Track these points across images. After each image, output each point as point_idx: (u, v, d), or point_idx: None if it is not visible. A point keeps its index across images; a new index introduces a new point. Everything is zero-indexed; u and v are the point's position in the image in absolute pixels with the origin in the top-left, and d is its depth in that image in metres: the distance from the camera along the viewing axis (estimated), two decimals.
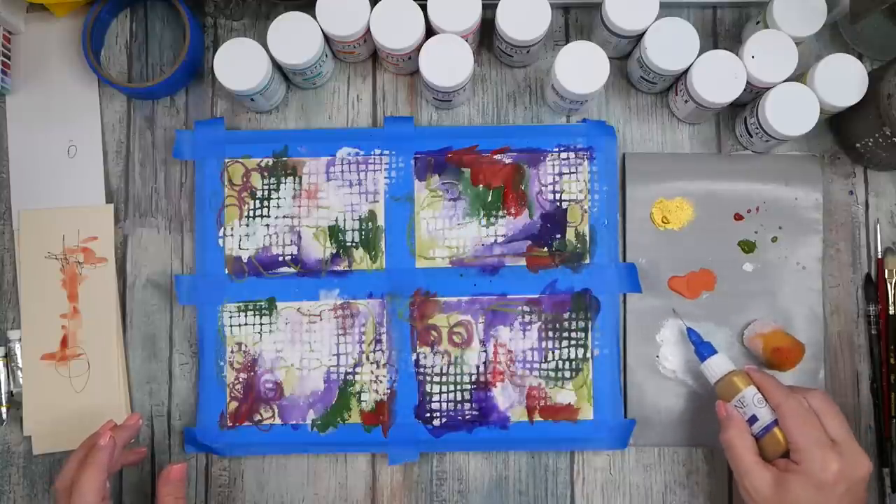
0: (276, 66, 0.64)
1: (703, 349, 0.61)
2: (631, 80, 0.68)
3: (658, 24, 0.61)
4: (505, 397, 0.65)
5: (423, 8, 0.61)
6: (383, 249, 0.66)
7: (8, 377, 0.66)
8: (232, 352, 0.65)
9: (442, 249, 0.66)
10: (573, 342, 0.65)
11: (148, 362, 0.66)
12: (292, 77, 0.66)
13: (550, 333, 0.65)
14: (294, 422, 0.65)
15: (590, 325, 0.65)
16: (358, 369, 0.65)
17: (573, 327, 0.65)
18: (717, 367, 0.59)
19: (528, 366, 0.65)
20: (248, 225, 0.66)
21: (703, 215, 0.66)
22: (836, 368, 0.66)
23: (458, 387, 0.65)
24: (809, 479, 0.54)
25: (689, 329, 0.62)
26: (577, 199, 0.66)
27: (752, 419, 0.57)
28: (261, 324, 0.66)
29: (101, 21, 0.67)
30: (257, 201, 0.66)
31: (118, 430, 0.60)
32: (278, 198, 0.66)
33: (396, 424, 0.65)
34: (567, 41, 0.66)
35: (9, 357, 0.66)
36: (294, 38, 0.62)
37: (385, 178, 0.67)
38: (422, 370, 0.65)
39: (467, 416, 0.65)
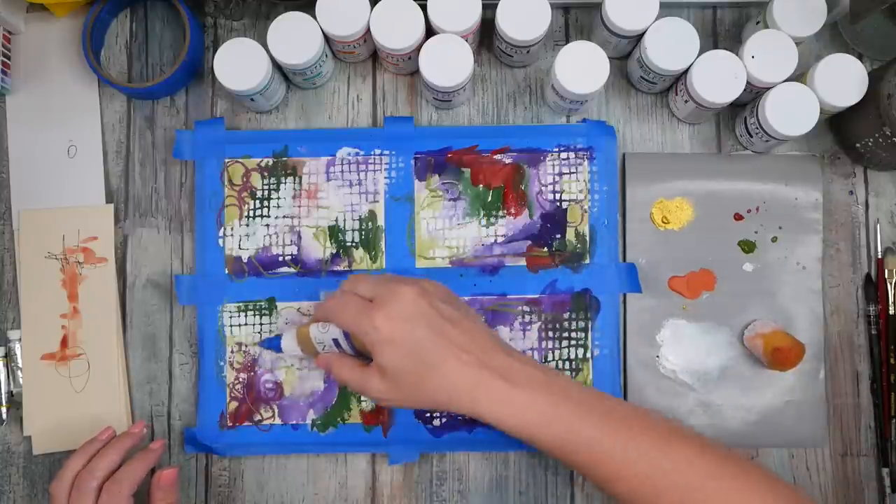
0: (276, 66, 0.64)
1: (272, 343, 0.63)
2: (631, 80, 0.68)
3: (658, 24, 0.61)
4: None
5: (423, 8, 0.61)
6: (383, 249, 0.66)
7: (8, 377, 0.66)
8: (232, 352, 0.65)
9: (442, 249, 0.66)
10: (573, 342, 0.65)
11: (148, 362, 0.66)
12: (292, 77, 0.66)
13: (550, 333, 0.65)
14: (294, 422, 0.65)
15: (590, 325, 0.65)
16: None
17: (573, 327, 0.65)
18: (287, 342, 0.61)
19: None
20: (248, 225, 0.66)
21: (703, 215, 0.66)
22: (836, 368, 0.66)
23: None
24: (378, 345, 0.53)
25: (262, 342, 0.64)
26: (577, 199, 0.66)
27: (336, 343, 0.58)
28: (261, 324, 0.66)
29: (101, 21, 0.67)
30: (257, 201, 0.66)
31: (122, 437, 0.60)
32: (278, 198, 0.66)
33: (396, 424, 0.65)
34: (567, 41, 0.66)
35: (9, 357, 0.66)
36: (294, 38, 0.62)
37: (385, 178, 0.67)
38: None
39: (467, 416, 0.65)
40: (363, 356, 0.58)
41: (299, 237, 0.66)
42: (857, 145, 0.65)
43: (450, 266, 0.66)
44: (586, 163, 0.66)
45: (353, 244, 0.66)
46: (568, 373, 0.65)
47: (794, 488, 0.53)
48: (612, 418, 0.53)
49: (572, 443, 0.52)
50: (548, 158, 0.67)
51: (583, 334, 0.65)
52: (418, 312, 0.54)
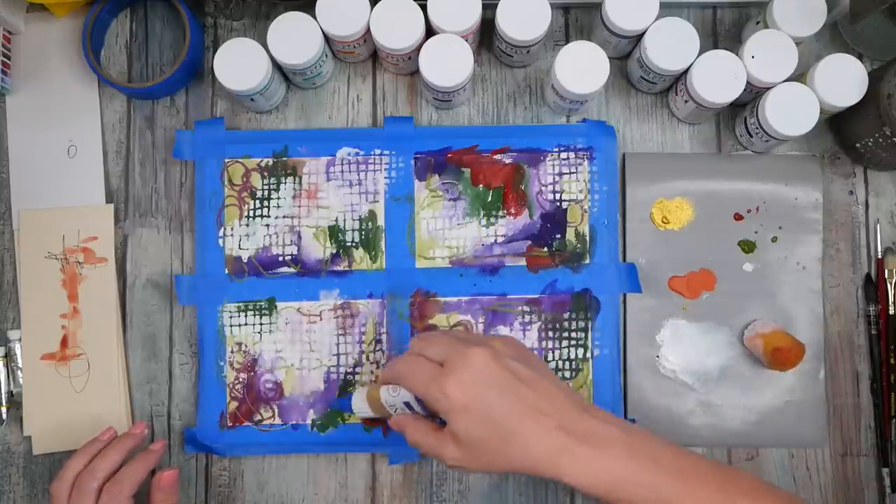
0: (276, 66, 0.64)
1: (341, 403, 0.63)
2: (631, 80, 0.68)
3: (658, 24, 0.61)
4: None
5: (423, 8, 0.61)
6: (383, 249, 0.66)
7: (8, 377, 0.66)
8: (232, 352, 0.65)
9: (442, 249, 0.66)
10: (573, 342, 0.65)
11: (148, 362, 0.66)
12: (292, 77, 0.66)
13: (550, 333, 0.65)
14: (294, 422, 0.65)
15: (590, 325, 0.65)
16: (358, 369, 0.65)
17: (573, 327, 0.65)
18: (358, 404, 0.60)
19: None
20: (248, 225, 0.66)
21: (703, 215, 0.66)
22: (836, 368, 0.66)
23: None
24: (451, 413, 0.51)
25: (337, 400, 0.64)
26: (577, 199, 0.66)
27: (408, 405, 0.56)
28: (261, 324, 0.66)
29: (101, 21, 0.67)
30: (257, 201, 0.66)
31: (123, 438, 0.60)
32: (278, 198, 0.66)
33: None
34: (567, 41, 0.66)
35: (9, 357, 0.66)
36: (294, 38, 0.62)
37: (385, 178, 0.67)
38: None
39: None
40: (438, 416, 0.56)
41: (299, 237, 0.66)
42: (857, 145, 0.65)
43: (450, 266, 0.66)
44: (586, 163, 0.66)
45: (353, 244, 0.66)
46: (568, 373, 0.65)
47: None
48: (698, 481, 0.51)
49: (652, 501, 0.50)
50: (548, 158, 0.67)
51: (583, 334, 0.65)
52: (491, 377, 0.51)
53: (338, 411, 0.65)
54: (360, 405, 0.59)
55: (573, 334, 0.65)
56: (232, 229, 0.66)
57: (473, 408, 0.51)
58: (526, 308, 0.66)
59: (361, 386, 0.63)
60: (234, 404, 0.65)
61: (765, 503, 0.51)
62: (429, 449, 0.54)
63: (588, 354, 0.65)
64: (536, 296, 0.66)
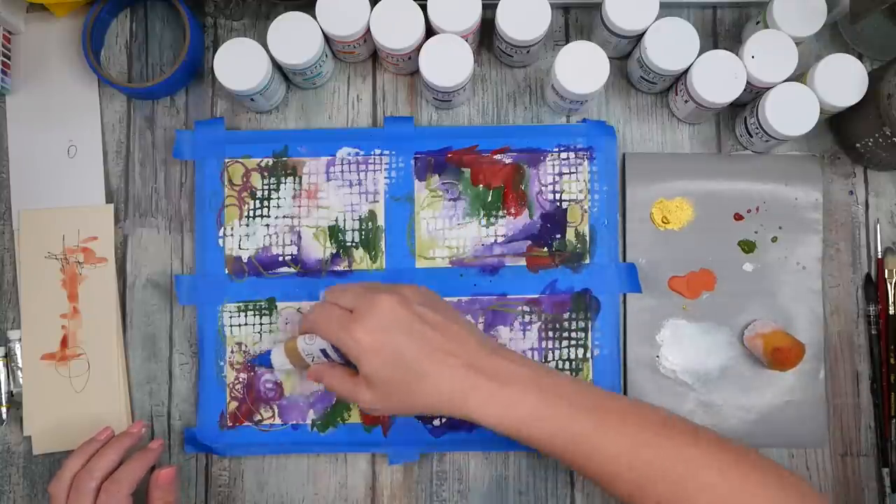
0: (276, 66, 0.64)
1: (262, 360, 0.63)
2: (631, 80, 0.68)
3: (658, 24, 0.61)
4: None
5: (423, 8, 0.61)
6: (383, 249, 0.66)
7: (8, 377, 0.66)
8: (232, 352, 0.65)
9: (442, 249, 0.66)
10: (573, 342, 0.65)
11: (148, 362, 0.66)
12: (292, 77, 0.66)
13: (550, 333, 0.65)
14: (294, 422, 0.65)
15: (590, 325, 0.65)
16: None
17: (573, 327, 0.65)
18: (277, 357, 0.61)
19: None
20: (248, 225, 0.66)
21: (703, 215, 0.66)
22: (836, 368, 0.66)
23: None
24: (362, 357, 0.53)
25: (253, 360, 0.64)
26: (577, 199, 0.66)
27: (324, 352, 0.58)
28: (261, 324, 0.66)
29: (101, 21, 0.67)
30: (257, 201, 0.66)
31: (121, 437, 0.60)
32: (278, 198, 0.66)
33: (396, 424, 0.65)
34: (567, 41, 0.66)
35: (9, 357, 0.66)
36: (294, 38, 0.62)
37: (385, 178, 0.67)
38: None
39: None
40: (353, 363, 0.58)
41: (299, 237, 0.66)
42: (857, 145, 0.65)
43: (450, 266, 0.66)
44: (586, 163, 0.66)
45: (353, 244, 0.66)
46: (568, 373, 0.65)
47: (792, 474, 0.52)
48: (603, 411, 0.53)
49: (563, 438, 0.52)
50: (548, 158, 0.67)
51: (583, 334, 0.65)
52: (398, 321, 0.53)
53: (338, 411, 0.65)
54: (280, 359, 0.61)
55: (573, 334, 0.65)
56: (232, 229, 0.66)
57: (382, 350, 0.53)
58: (526, 308, 0.66)
59: (278, 342, 0.63)
60: (234, 404, 0.65)
61: (671, 434, 0.52)
62: (345, 394, 0.56)
63: (588, 354, 0.65)
64: (536, 296, 0.66)
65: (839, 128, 0.67)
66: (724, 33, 0.69)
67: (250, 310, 0.66)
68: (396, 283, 0.65)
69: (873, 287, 0.66)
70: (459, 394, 0.53)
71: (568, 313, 0.66)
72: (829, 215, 0.67)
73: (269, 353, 0.62)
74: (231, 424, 0.65)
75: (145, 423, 0.64)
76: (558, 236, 0.66)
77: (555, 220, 0.66)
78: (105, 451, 0.58)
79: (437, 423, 0.65)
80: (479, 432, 0.65)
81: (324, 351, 0.58)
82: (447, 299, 0.65)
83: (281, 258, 0.66)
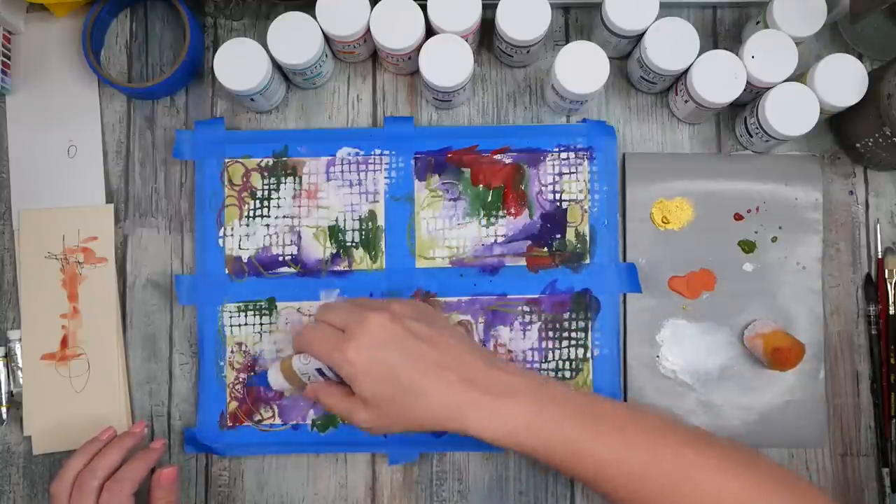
0: (276, 66, 0.64)
1: (260, 380, 0.61)
2: (631, 80, 0.68)
3: (658, 24, 0.61)
4: None
5: (423, 8, 0.61)
6: (383, 249, 0.66)
7: (8, 377, 0.66)
8: (232, 352, 0.65)
9: (442, 249, 0.66)
10: (573, 342, 0.65)
11: (148, 362, 0.66)
12: (292, 77, 0.66)
13: (550, 333, 0.65)
14: (294, 422, 0.65)
15: (590, 325, 0.65)
16: None
17: (573, 327, 0.65)
18: (274, 377, 0.59)
19: (528, 366, 0.65)
20: (248, 225, 0.66)
21: (703, 215, 0.66)
22: (836, 368, 0.66)
23: None
24: (356, 378, 0.53)
25: (252, 379, 0.63)
26: (577, 199, 0.66)
27: (320, 372, 0.57)
28: (261, 324, 0.66)
29: (101, 21, 0.67)
30: (257, 201, 0.66)
31: (123, 437, 0.60)
32: (278, 198, 0.66)
33: None
34: (567, 41, 0.66)
35: (9, 357, 0.66)
36: (294, 38, 0.62)
37: (385, 178, 0.67)
38: None
39: None
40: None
41: (299, 237, 0.66)
42: (857, 145, 0.65)
43: (450, 266, 0.66)
44: (586, 163, 0.66)
45: (353, 244, 0.66)
46: (568, 373, 0.65)
47: (797, 476, 0.52)
48: (597, 417, 0.52)
49: (557, 445, 0.51)
50: (548, 158, 0.67)
51: (583, 334, 0.65)
52: (390, 338, 0.53)
53: None
54: (277, 379, 0.59)
55: (573, 334, 0.65)
56: (232, 229, 0.66)
57: (375, 370, 0.52)
58: (526, 308, 0.66)
59: (274, 361, 0.62)
60: (234, 404, 0.65)
61: (667, 438, 0.52)
62: (342, 413, 0.56)
63: (588, 354, 0.65)
64: (536, 296, 0.66)
65: (839, 128, 0.67)
66: (724, 33, 0.69)
67: (250, 310, 0.66)
68: (396, 283, 0.65)
69: (873, 287, 0.66)
70: (455, 410, 0.52)
71: (568, 313, 0.65)
72: (829, 215, 0.67)
73: (265, 373, 0.60)
74: (231, 424, 0.65)
75: (147, 424, 0.64)
76: (558, 236, 0.66)
77: (555, 220, 0.66)
78: (108, 451, 0.58)
79: None
80: None
81: (319, 370, 0.57)
82: (447, 299, 0.65)
83: (281, 258, 0.66)
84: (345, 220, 0.66)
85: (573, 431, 0.51)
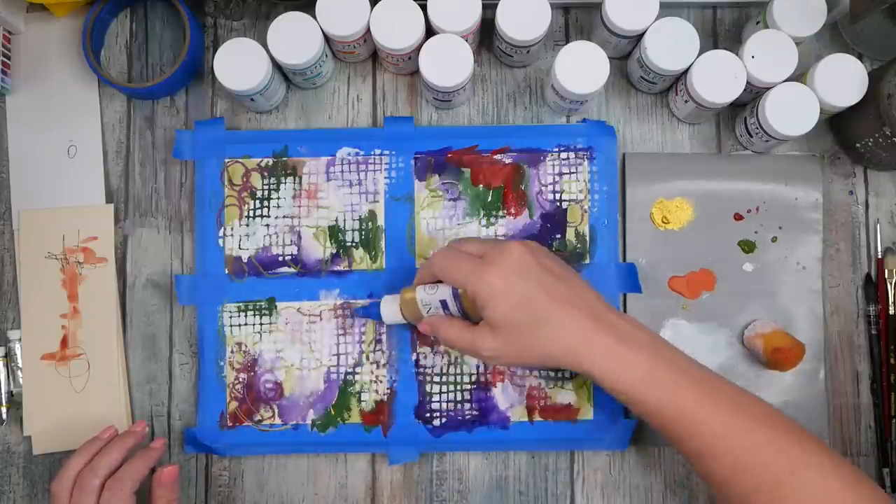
0: (276, 66, 0.64)
1: (369, 311, 0.63)
2: (631, 80, 0.68)
3: (658, 24, 0.61)
4: (505, 397, 0.65)
5: (423, 8, 0.61)
6: (383, 249, 0.66)
7: (8, 377, 0.66)
8: (232, 352, 0.65)
9: None
10: None
11: (148, 362, 0.66)
12: (292, 77, 0.66)
13: None
14: (294, 422, 0.65)
15: None
16: (358, 369, 0.65)
17: None
18: (388, 308, 0.61)
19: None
20: (248, 225, 0.66)
21: (703, 215, 0.66)
22: (836, 368, 0.66)
23: (458, 387, 0.65)
24: (492, 299, 0.54)
25: (358, 310, 0.64)
26: (577, 199, 0.66)
27: (444, 304, 0.58)
28: (261, 324, 0.66)
29: (101, 21, 0.67)
30: (257, 201, 0.66)
31: (124, 436, 0.60)
32: (278, 198, 0.66)
33: (396, 424, 0.65)
34: (567, 41, 0.66)
35: (9, 357, 0.66)
36: (294, 38, 0.62)
37: (385, 178, 0.67)
38: (422, 370, 0.65)
39: (467, 416, 0.65)
40: (469, 319, 0.58)
41: (299, 237, 0.66)
42: (857, 145, 0.65)
43: None
44: (586, 163, 0.66)
45: (353, 244, 0.66)
46: (568, 373, 0.65)
47: (883, 492, 0.53)
48: (714, 389, 0.53)
49: (670, 410, 0.53)
50: (548, 158, 0.67)
51: None
52: (527, 268, 0.54)
53: (338, 411, 0.65)
54: (391, 311, 0.60)
55: None
56: (232, 229, 0.66)
57: (513, 294, 0.54)
58: None
59: (389, 295, 0.62)
60: (234, 404, 0.65)
61: (777, 428, 0.52)
62: (464, 344, 0.57)
63: None
64: None
65: (839, 128, 0.67)
66: (724, 33, 0.69)
67: (250, 310, 0.66)
68: (396, 283, 0.65)
69: (873, 287, 0.66)
70: (582, 345, 0.54)
71: None
72: (829, 215, 0.67)
73: (375, 304, 0.61)
74: (231, 424, 0.65)
75: (147, 424, 0.64)
76: (558, 236, 0.66)
77: (555, 220, 0.66)
78: (108, 450, 0.58)
79: (437, 422, 0.65)
80: (479, 432, 0.65)
81: (444, 302, 0.58)
82: None
83: (281, 258, 0.66)
84: (345, 220, 0.66)
85: (689, 397, 0.53)
